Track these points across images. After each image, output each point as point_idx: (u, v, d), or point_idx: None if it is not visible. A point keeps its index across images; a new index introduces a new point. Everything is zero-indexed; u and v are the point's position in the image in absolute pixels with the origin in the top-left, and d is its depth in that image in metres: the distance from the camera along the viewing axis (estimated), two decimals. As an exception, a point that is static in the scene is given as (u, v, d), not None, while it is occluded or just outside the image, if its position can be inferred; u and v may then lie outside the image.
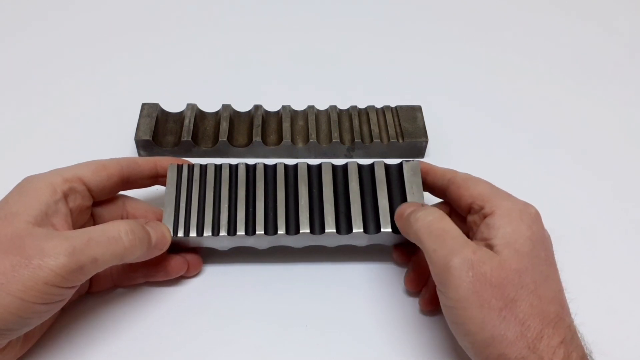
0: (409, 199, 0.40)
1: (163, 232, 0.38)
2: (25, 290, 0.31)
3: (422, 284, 0.41)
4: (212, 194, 0.41)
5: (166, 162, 0.42)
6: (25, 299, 0.31)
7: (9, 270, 0.31)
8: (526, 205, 0.36)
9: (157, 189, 0.46)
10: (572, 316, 0.33)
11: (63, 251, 0.32)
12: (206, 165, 0.42)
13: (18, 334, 0.33)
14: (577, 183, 0.51)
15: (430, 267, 0.35)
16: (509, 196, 0.37)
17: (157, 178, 0.42)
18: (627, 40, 0.66)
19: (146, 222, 0.38)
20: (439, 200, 0.43)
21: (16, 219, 0.33)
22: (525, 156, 0.53)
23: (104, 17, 0.65)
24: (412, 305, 0.42)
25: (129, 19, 0.66)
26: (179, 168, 0.41)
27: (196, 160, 0.43)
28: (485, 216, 0.36)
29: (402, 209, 0.39)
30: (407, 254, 0.43)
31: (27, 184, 0.36)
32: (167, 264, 0.41)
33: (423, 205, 0.39)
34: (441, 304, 0.34)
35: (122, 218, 0.41)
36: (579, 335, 0.33)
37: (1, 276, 0.31)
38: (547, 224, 0.36)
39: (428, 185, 0.42)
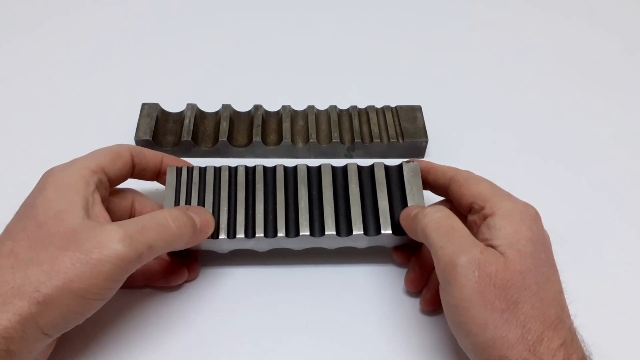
0: (409, 200, 0.40)
1: (206, 217, 0.38)
2: (87, 289, 0.31)
3: (423, 284, 0.41)
4: (211, 196, 0.40)
5: (172, 161, 0.42)
6: (87, 297, 0.31)
7: (70, 269, 0.31)
8: (526, 206, 0.36)
9: (157, 189, 0.46)
10: (572, 318, 0.33)
11: (120, 240, 0.32)
12: (205, 168, 0.42)
13: (69, 329, 0.33)
14: (577, 183, 0.51)
15: (436, 264, 0.34)
16: (509, 196, 0.37)
17: (159, 174, 0.42)
18: (627, 43, 0.66)
19: (187, 207, 0.38)
20: (440, 198, 0.43)
21: (66, 215, 0.33)
22: (526, 156, 0.53)
23: (104, 17, 0.65)
24: (412, 305, 0.42)
25: (129, 19, 0.66)
26: (179, 170, 0.41)
27: (196, 160, 0.43)
28: (485, 217, 0.36)
29: (409, 210, 0.39)
30: (407, 254, 0.43)
31: (58, 178, 0.35)
32: (166, 272, 0.41)
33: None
34: (443, 303, 0.34)
35: (129, 212, 0.40)
36: (579, 337, 0.33)
37: (62, 275, 0.30)
38: (547, 224, 0.36)
39: (429, 184, 0.42)
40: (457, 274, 0.32)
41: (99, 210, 0.35)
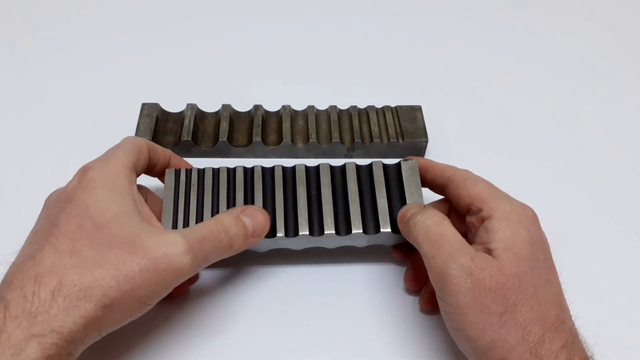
0: (407, 199, 0.40)
1: (260, 221, 0.37)
2: (148, 295, 0.31)
3: (422, 283, 0.41)
4: (210, 197, 0.40)
5: (177, 161, 0.42)
6: (145, 302, 0.32)
7: (138, 275, 0.30)
8: (524, 208, 0.36)
9: (157, 188, 0.46)
10: (573, 319, 0.33)
11: (185, 253, 0.32)
12: (204, 169, 0.42)
13: None
14: (576, 184, 0.51)
15: (429, 273, 0.34)
16: (507, 197, 0.37)
17: (164, 172, 0.42)
18: (626, 44, 0.66)
19: (243, 210, 0.37)
20: (440, 197, 0.43)
21: (124, 218, 0.33)
22: (525, 157, 0.53)
23: (104, 17, 0.65)
24: (412, 304, 0.42)
25: (128, 19, 0.66)
26: (177, 172, 0.41)
27: (196, 160, 0.43)
28: (483, 219, 0.36)
29: (404, 212, 0.38)
30: (406, 253, 0.42)
31: (104, 177, 0.34)
32: None
33: (425, 206, 0.38)
34: (440, 310, 0.34)
35: None
36: (581, 338, 0.33)
37: (130, 281, 0.30)
38: (547, 225, 0.36)
39: (428, 183, 0.42)
40: (450, 282, 0.32)
41: (148, 210, 0.36)
